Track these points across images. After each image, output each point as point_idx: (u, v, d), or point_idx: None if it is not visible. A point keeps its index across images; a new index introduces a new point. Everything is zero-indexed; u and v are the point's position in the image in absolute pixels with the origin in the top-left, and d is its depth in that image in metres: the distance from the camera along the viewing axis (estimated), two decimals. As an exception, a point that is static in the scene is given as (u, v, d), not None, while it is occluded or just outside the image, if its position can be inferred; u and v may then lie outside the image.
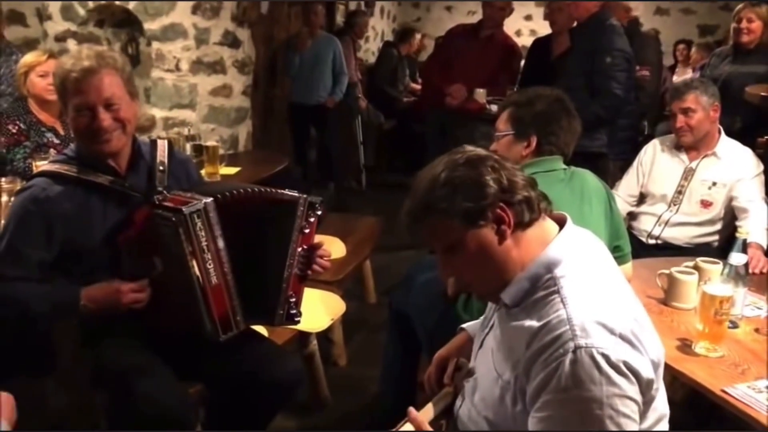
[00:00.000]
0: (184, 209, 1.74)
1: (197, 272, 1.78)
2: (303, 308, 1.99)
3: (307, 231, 1.92)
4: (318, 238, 2.00)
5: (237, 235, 1.86)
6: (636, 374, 1.16)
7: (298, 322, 1.99)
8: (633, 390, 1.16)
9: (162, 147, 2.04)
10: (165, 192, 1.91)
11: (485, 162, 1.29)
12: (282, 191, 1.93)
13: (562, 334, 1.17)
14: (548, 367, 1.16)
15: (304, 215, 1.90)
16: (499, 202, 1.26)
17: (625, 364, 1.15)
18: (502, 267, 1.29)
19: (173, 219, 1.74)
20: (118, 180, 1.91)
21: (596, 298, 1.22)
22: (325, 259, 2.01)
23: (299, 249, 1.92)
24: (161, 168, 1.98)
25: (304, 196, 1.92)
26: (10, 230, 1.86)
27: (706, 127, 2.92)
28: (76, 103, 1.82)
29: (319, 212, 1.93)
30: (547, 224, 1.34)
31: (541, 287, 1.27)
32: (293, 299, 1.94)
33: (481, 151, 1.34)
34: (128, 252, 1.86)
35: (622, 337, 1.17)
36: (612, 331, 1.17)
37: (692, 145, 2.97)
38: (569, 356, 1.14)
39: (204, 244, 1.78)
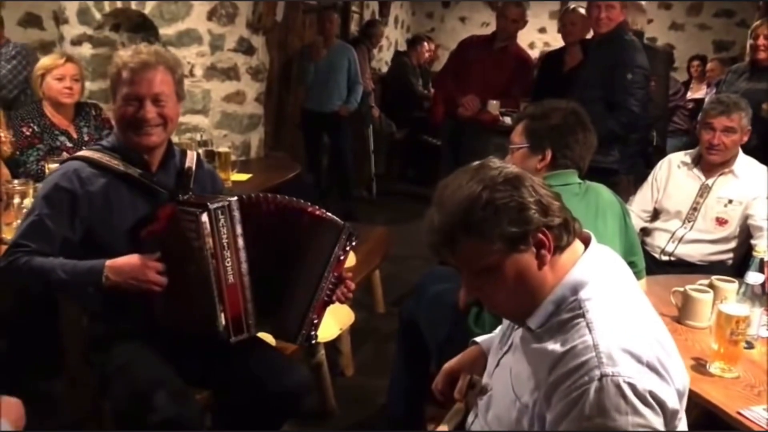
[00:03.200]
0: (209, 204, 1.78)
1: (215, 269, 1.79)
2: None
3: (342, 259, 1.93)
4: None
5: (262, 241, 1.87)
6: (662, 405, 1.13)
7: (313, 344, 1.99)
8: (658, 422, 1.13)
9: (191, 155, 2.10)
10: (191, 193, 1.97)
11: (524, 182, 1.23)
12: (325, 211, 1.93)
13: (588, 361, 1.14)
14: (572, 394, 1.13)
15: (344, 243, 1.91)
16: (541, 226, 1.21)
17: (651, 394, 1.12)
18: (536, 291, 1.25)
19: (198, 213, 1.77)
20: (147, 174, 1.95)
21: (622, 323, 1.19)
22: (349, 290, 2.00)
23: (332, 275, 1.92)
24: (189, 172, 2.04)
25: (347, 224, 1.92)
26: (39, 205, 1.90)
27: (736, 150, 2.90)
28: (126, 92, 1.89)
29: (354, 243, 1.94)
30: (577, 245, 1.30)
31: (566, 309, 1.23)
32: (316, 321, 1.94)
33: (514, 168, 1.27)
34: (150, 247, 1.87)
35: (649, 366, 1.14)
36: (639, 360, 1.13)
37: (715, 163, 2.93)
38: (595, 384, 1.11)
39: (225, 241, 1.80)
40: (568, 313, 1.22)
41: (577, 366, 1.14)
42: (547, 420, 1.18)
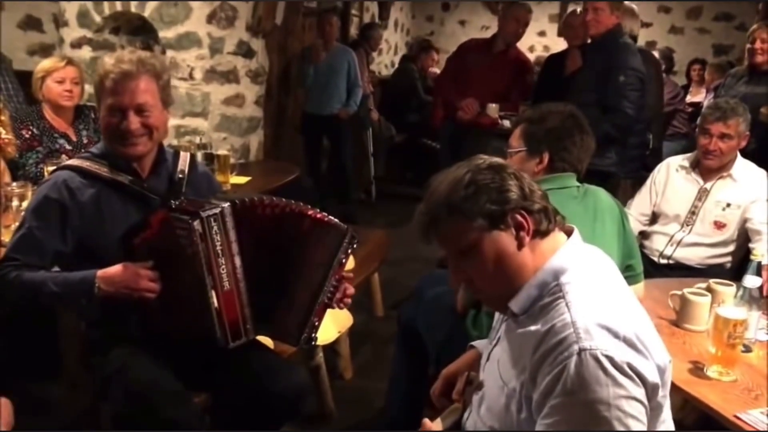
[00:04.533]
0: (201, 212, 1.76)
1: (210, 276, 1.78)
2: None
3: (344, 262, 1.92)
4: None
5: (259, 245, 1.86)
6: (641, 377, 1.16)
7: (312, 346, 1.98)
8: (639, 392, 1.15)
9: (184, 157, 2.08)
10: (183, 197, 1.94)
11: (506, 169, 1.31)
12: (327, 215, 1.91)
13: (567, 337, 1.17)
14: (553, 371, 1.16)
15: (346, 247, 1.89)
16: (520, 208, 1.27)
17: (630, 366, 1.15)
18: (516, 273, 1.29)
19: (190, 221, 1.75)
20: (137, 180, 1.93)
21: (600, 302, 1.23)
22: (348, 295, 1.98)
23: (333, 279, 1.91)
24: (180, 176, 2.02)
25: (350, 227, 1.91)
26: (30, 218, 1.89)
27: (733, 155, 2.91)
28: (110, 103, 1.86)
29: (355, 246, 1.92)
30: (559, 235, 1.35)
31: (547, 294, 1.27)
32: (317, 324, 1.93)
33: (500, 159, 1.36)
34: (142, 254, 1.86)
35: (626, 341, 1.17)
36: (616, 335, 1.17)
37: (712, 168, 2.94)
38: (574, 359, 1.14)
39: (219, 248, 1.78)
40: (549, 297, 1.27)
41: (557, 342, 1.18)
42: (534, 399, 1.21)
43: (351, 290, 1.98)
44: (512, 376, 1.28)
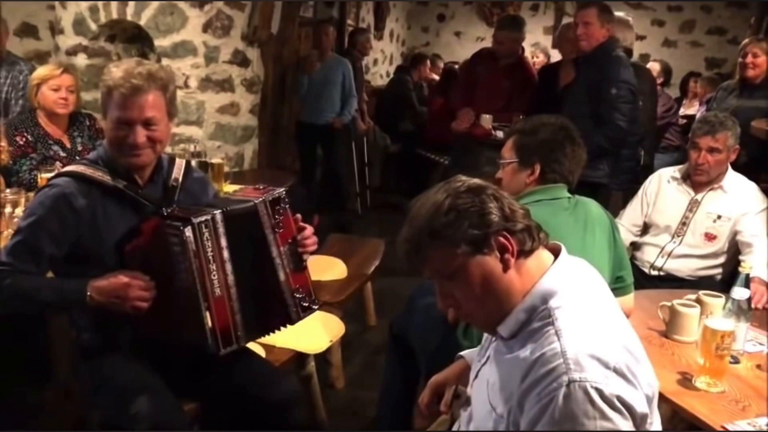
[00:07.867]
0: (193, 218, 1.77)
1: (201, 282, 1.79)
2: (301, 329, 1.98)
3: (282, 228, 1.90)
4: (319, 259, 1.99)
5: (239, 249, 1.87)
6: (630, 409, 1.15)
7: (317, 308, 1.97)
8: (626, 425, 1.15)
9: (179, 164, 2.08)
10: (176, 205, 1.94)
11: (486, 190, 1.30)
12: (241, 201, 1.90)
13: (556, 368, 1.16)
14: (542, 401, 1.16)
15: (271, 216, 1.88)
16: (502, 230, 1.26)
17: (619, 399, 1.14)
18: (505, 296, 1.28)
19: (182, 228, 1.76)
20: (132, 186, 1.94)
21: (591, 330, 1.21)
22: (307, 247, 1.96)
23: (282, 248, 1.90)
24: (174, 183, 2.02)
25: (260, 199, 1.89)
26: (28, 224, 1.88)
27: (723, 168, 2.93)
28: (118, 116, 1.86)
29: (287, 204, 1.91)
30: (544, 254, 1.34)
31: (536, 318, 1.26)
32: (301, 293, 1.91)
33: (479, 180, 1.34)
34: (134, 261, 1.87)
35: (617, 371, 1.16)
36: (606, 365, 1.16)
37: (702, 181, 2.96)
38: (563, 390, 1.14)
39: (210, 254, 1.79)
40: (538, 322, 1.25)
41: (546, 372, 1.17)
42: (521, 426, 1.20)
43: (309, 231, 1.96)
44: (500, 401, 1.28)
